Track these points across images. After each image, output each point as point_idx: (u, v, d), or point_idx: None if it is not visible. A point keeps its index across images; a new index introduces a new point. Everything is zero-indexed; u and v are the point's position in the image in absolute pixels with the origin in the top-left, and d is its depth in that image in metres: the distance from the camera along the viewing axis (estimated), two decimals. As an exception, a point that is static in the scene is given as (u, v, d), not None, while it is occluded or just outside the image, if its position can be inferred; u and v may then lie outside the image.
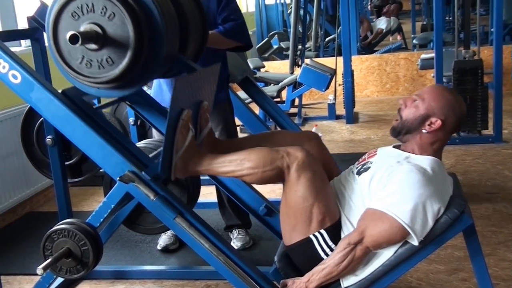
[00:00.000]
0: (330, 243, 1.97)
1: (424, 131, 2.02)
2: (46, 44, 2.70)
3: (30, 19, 2.59)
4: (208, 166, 2.02)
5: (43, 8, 2.57)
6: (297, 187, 1.93)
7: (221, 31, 2.94)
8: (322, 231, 1.97)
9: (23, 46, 4.36)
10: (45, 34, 2.61)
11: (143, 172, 2.06)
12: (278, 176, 1.96)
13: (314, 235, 1.97)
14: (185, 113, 1.96)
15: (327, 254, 1.97)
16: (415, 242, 1.86)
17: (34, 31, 2.63)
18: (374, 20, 11.81)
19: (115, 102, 2.62)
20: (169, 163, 1.98)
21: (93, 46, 1.89)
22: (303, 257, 2.03)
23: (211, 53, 3.02)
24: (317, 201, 1.94)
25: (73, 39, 1.79)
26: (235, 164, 1.97)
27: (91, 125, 2.09)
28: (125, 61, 1.89)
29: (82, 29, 1.87)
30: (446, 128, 2.03)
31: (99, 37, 1.87)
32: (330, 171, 2.22)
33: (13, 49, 2.28)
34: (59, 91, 2.15)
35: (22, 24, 4.29)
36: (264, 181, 1.97)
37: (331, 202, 2.01)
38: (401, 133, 2.08)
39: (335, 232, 1.99)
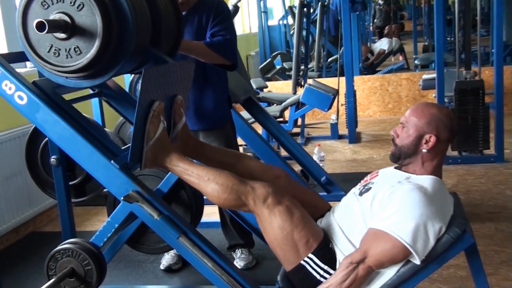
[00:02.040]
0: (322, 265, 1.98)
1: (424, 150, 2.04)
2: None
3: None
4: (174, 166, 2.06)
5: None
6: (271, 220, 1.96)
7: (207, 42, 2.90)
8: (311, 255, 1.98)
9: (29, 67, 4.40)
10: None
11: (112, 161, 2.06)
12: (237, 207, 2.04)
13: (304, 260, 1.99)
14: (156, 104, 2.00)
15: (323, 276, 1.98)
16: (417, 261, 1.86)
17: (39, 53, 2.65)
18: (376, 40, 11.87)
19: (89, 96, 2.64)
20: (139, 153, 2.01)
21: (62, 35, 1.93)
22: (302, 282, 2.04)
23: (213, 72, 3.05)
24: (294, 226, 1.95)
25: (40, 27, 1.82)
26: (201, 180, 2.01)
27: (96, 145, 2.11)
28: (93, 50, 1.92)
29: (51, 18, 1.91)
30: (442, 140, 2.05)
31: (68, 27, 1.91)
32: (310, 201, 2.25)
33: (18, 70, 2.30)
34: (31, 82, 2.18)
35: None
36: (222, 206, 2.07)
37: (309, 223, 2.01)
38: (401, 158, 2.10)
39: (323, 252, 2.00)
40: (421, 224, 1.85)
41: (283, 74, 9.13)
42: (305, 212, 2.03)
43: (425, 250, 1.86)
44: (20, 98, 2.14)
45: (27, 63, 4.39)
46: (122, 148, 2.29)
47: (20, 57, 2.22)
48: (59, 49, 1.96)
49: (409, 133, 2.06)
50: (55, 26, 1.87)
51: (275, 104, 6.72)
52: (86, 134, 2.13)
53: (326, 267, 1.98)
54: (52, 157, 2.66)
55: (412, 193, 1.91)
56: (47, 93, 2.17)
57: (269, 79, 8.59)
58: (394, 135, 2.12)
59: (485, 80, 5.10)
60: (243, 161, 2.33)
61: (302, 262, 1.99)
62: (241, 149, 3.96)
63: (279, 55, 9.49)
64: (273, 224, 1.96)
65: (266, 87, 7.42)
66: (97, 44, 1.92)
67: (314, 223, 2.06)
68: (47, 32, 1.85)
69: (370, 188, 2.07)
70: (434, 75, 5.36)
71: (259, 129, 4.38)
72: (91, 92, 2.61)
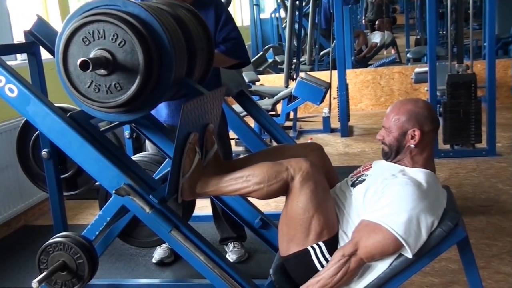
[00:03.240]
0: (327, 255, 1.98)
1: (412, 146, 2.05)
2: (43, 58, 2.72)
3: (27, 33, 2.60)
4: (214, 187, 2.04)
5: (39, 22, 2.58)
6: (299, 197, 1.94)
7: (223, 50, 2.97)
8: (321, 243, 1.98)
9: (19, 60, 4.37)
10: (42, 48, 2.63)
11: (150, 196, 2.05)
12: (284, 188, 1.97)
13: (312, 246, 1.98)
14: (192, 137, 1.99)
15: (323, 266, 1.98)
16: (409, 254, 1.87)
17: (30, 45, 2.63)
18: (368, 34, 11.88)
19: (119, 125, 2.61)
20: (176, 186, 2.00)
21: (103, 71, 1.90)
22: (299, 269, 2.04)
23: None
24: (317, 213, 1.95)
25: (84, 66, 1.79)
26: (241, 182, 1.99)
27: (87, 138, 2.10)
28: (134, 87, 1.90)
29: (92, 55, 1.88)
30: (427, 132, 2.06)
31: (109, 63, 1.88)
32: (332, 182, 2.24)
33: (9, 63, 2.29)
34: (67, 115, 2.15)
35: (18, 38, 4.30)
36: (271, 195, 1.99)
37: (331, 216, 2.02)
38: (392, 156, 2.11)
39: (332, 246, 2.00)
40: (414, 217, 1.86)
41: (275, 68, 9.14)
42: (331, 201, 2.04)
43: (416, 243, 1.87)
44: (11, 90, 2.13)
45: (18, 55, 4.37)
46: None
47: (11, 50, 2.21)
48: (100, 85, 1.93)
49: (393, 133, 2.08)
50: (97, 64, 1.84)
51: (267, 98, 6.72)
52: (76, 127, 2.12)
53: (330, 258, 1.98)
54: (43, 150, 2.65)
55: (406, 187, 1.92)
56: (82, 125, 2.16)
57: (261, 72, 8.59)
58: (380, 139, 2.14)
59: (477, 73, 5.12)
60: (278, 152, 2.32)
61: (309, 247, 1.98)
62: (233, 143, 3.95)
63: (271, 49, 9.49)
64: (299, 203, 1.94)
65: (258, 80, 7.41)
66: (138, 81, 1.89)
67: (334, 215, 2.04)
68: (90, 71, 1.83)
69: (364, 180, 2.07)
70: (426, 69, 5.36)
71: (251, 122, 4.37)
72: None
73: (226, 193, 2.07)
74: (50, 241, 2.13)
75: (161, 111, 3.01)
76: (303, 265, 2.01)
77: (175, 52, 1.96)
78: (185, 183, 2.01)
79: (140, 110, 2.04)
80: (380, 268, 1.94)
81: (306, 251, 1.99)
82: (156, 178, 2.33)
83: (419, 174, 2.01)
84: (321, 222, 1.96)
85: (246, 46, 11.13)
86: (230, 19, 3.06)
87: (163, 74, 1.95)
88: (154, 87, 1.96)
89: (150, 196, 2.05)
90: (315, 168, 1.97)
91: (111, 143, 2.24)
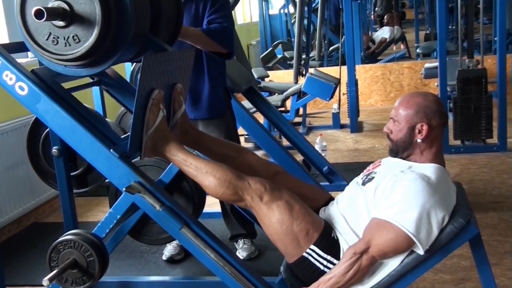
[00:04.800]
0: (324, 255, 1.99)
1: (419, 140, 2.03)
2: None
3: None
4: (173, 156, 2.07)
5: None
6: (269, 215, 1.97)
7: (204, 29, 2.89)
8: (313, 246, 1.99)
9: (30, 58, 4.38)
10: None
11: (111, 150, 2.06)
12: (234, 202, 2.06)
13: (307, 252, 1.99)
14: (155, 93, 2.00)
15: (326, 266, 1.98)
16: (420, 251, 1.86)
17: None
18: (377, 29, 11.83)
19: (88, 85, 2.63)
20: (139, 142, 2.01)
21: (60, 23, 1.92)
22: (305, 272, 2.04)
23: (210, 61, 3.03)
24: (293, 219, 1.96)
25: (39, 14, 1.80)
26: (199, 172, 2.02)
27: (97, 136, 2.10)
28: (91, 38, 1.91)
29: (50, 5, 1.89)
30: (435, 126, 2.04)
31: (66, 14, 1.89)
32: (309, 194, 2.26)
33: (19, 60, 2.29)
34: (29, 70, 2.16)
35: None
36: (219, 198, 2.08)
37: (309, 214, 2.02)
38: (399, 152, 2.09)
39: (325, 243, 2.00)
40: (424, 213, 1.84)
41: (284, 64, 9.10)
42: (304, 205, 2.04)
43: (428, 239, 1.86)
44: (21, 88, 2.13)
45: (29, 53, 4.37)
46: (122, 137, 2.27)
47: (21, 47, 2.21)
48: (58, 37, 1.95)
49: (401, 126, 2.06)
50: (53, 13, 1.86)
51: (276, 94, 6.70)
52: (87, 124, 2.12)
53: (329, 257, 1.98)
54: (54, 147, 2.66)
55: (415, 182, 1.90)
56: (47, 82, 2.16)
57: (270, 69, 8.57)
58: (387, 132, 2.12)
59: (487, 68, 5.08)
60: (243, 155, 2.33)
61: (304, 254, 1.99)
62: (242, 139, 3.94)
63: (280, 44, 9.46)
64: (272, 219, 1.97)
65: (267, 76, 7.39)
66: (96, 32, 1.90)
67: (314, 214, 2.06)
68: (45, 20, 1.84)
69: (373, 177, 2.06)
70: (436, 64, 5.33)
71: (261, 118, 4.37)
72: (91, 80, 2.59)
73: (182, 169, 2.09)
74: (60, 239, 2.13)
75: None
76: (307, 269, 2.02)
77: (135, 5, 1.96)
78: (147, 140, 2.02)
79: (100, 64, 2.05)
80: (391, 265, 1.93)
81: (304, 258, 2.00)
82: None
83: (428, 168, 2.00)
84: (302, 225, 1.97)
85: (255, 42, 11.10)
86: (224, 7, 2.99)
87: (122, 27, 1.96)
88: (113, 40, 1.96)
89: (111, 150, 2.05)
90: (273, 185, 2.01)
91: (116, 137, 2.24)
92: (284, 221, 1.95)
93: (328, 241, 2.00)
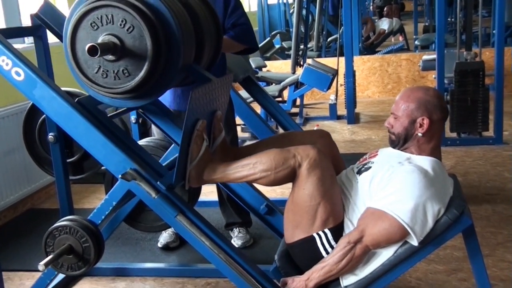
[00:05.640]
0: (332, 243, 1.99)
1: (419, 134, 2.04)
2: (49, 41, 2.72)
3: (34, 17, 2.60)
4: (222, 174, 2.04)
5: (46, 6, 2.58)
6: (305, 185, 1.94)
7: (232, 36, 2.97)
8: (326, 230, 1.99)
9: (26, 43, 4.37)
10: (48, 32, 2.63)
11: (158, 182, 2.05)
12: (291, 175, 1.97)
13: (317, 233, 1.99)
14: (199, 123, 1.98)
15: (328, 253, 1.98)
16: (414, 242, 1.87)
17: (37, 29, 2.63)
18: (376, 20, 11.81)
19: (126, 111, 2.60)
20: (184, 172, 2.00)
21: (111, 57, 1.90)
22: (304, 255, 2.05)
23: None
24: (324, 200, 1.95)
25: (93, 51, 1.78)
26: (248, 169, 1.99)
27: (93, 122, 2.10)
28: (142, 73, 1.90)
29: (100, 40, 1.87)
30: (435, 120, 2.05)
31: (117, 49, 1.88)
32: (339, 168, 2.24)
33: (16, 46, 2.28)
34: (75, 100, 2.15)
35: (26, 22, 4.30)
36: (278, 181, 1.98)
37: (338, 203, 2.02)
38: (400, 144, 2.10)
39: (338, 233, 2.00)
40: (420, 204, 1.86)
41: (282, 54, 9.10)
42: (338, 188, 2.04)
43: (423, 231, 1.87)
44: (17, 74, 2.13)
45: (25, 38, 4.37)
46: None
47: (18, 33, 2.20)
48: (107, 71, 1.93)
49: (402, 121, 2.07)
50: (106, 49, 1.84)
51: (274, 84, 6.70)
52: (83, 111, 2.12)
53: (334, 246, 1.99)
54: (50, 134, 2.66)
55: (413, 174, 1.91)
56: (89, 109, 2.15)
57: (268, 58, 8.56)
58: (388, 127, 2.13)
59: (485, 61, 5.07)
60: (285, 139, 2.31)
61: (314, 234, 1.99)
62: (239, 129, 3.94)
63: (278, 34, 9.44)
64: (306, 190, 1.94)
65: (265, 66, 7.39)
66: (146, 67, 1.89)
67: (340, 203, 2.04)
68: (98, 56, 1.83)
69: (370, 167, 2.07)
70: (434, 56, 5.33)
71: (258, 108, 4.37)
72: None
73: (233, 180, 2.07)
74: (56, 224, 2.14)
75: (166, 95, 3.01)
76: (308, 252, 2.02)
77: (183, 38, 1.95)
78: (192, 170, 2.01)
79: (147, 97, 2.04)
80: (385, 255, 1.94)
81: (311, 238, 2.00)
82: (163, 164, 2.32)
83: (426, 162, 2.01)
84: (327, 209, 1.96)
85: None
86: (239, 4, 3.06)
87: (171, 61, 1.95)
88: (162, 74, 1.96)
89: (158, 182, 2.05)
90: (322, 155, 1.96)
91: (117, 128, 2.24)
92: (315, 198, 1.94)
93: (340, 233, 2.01)
